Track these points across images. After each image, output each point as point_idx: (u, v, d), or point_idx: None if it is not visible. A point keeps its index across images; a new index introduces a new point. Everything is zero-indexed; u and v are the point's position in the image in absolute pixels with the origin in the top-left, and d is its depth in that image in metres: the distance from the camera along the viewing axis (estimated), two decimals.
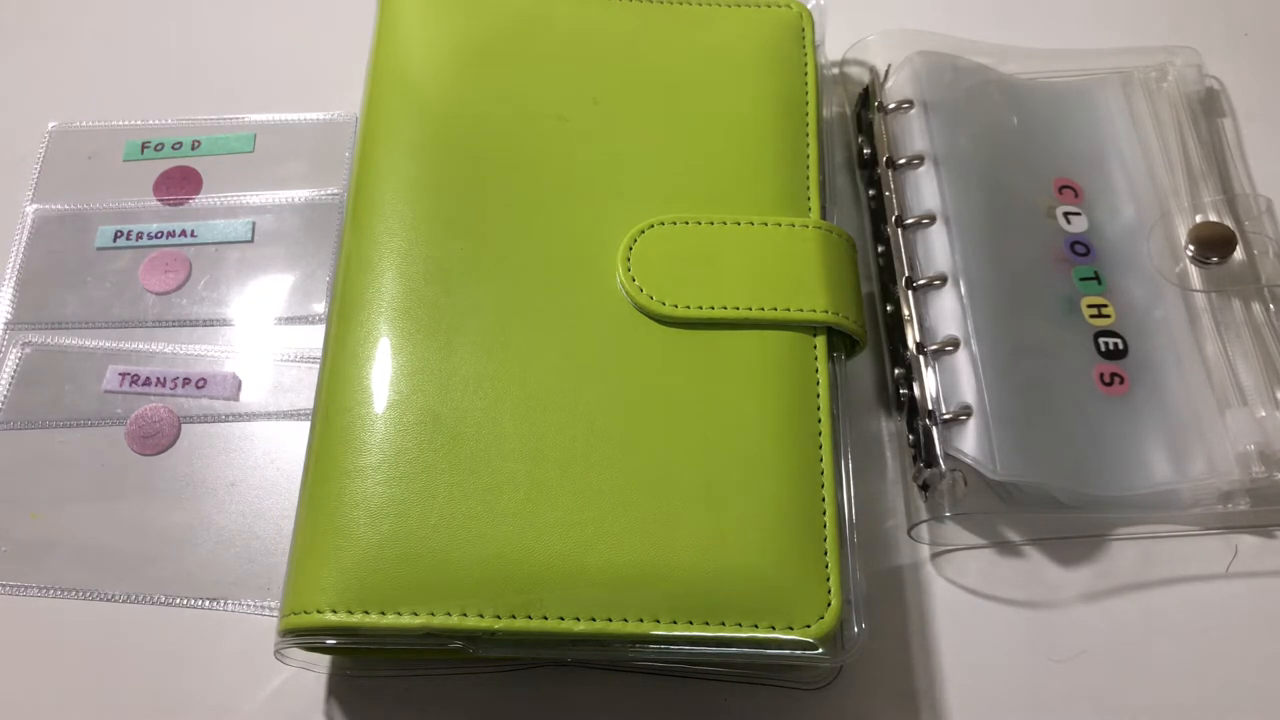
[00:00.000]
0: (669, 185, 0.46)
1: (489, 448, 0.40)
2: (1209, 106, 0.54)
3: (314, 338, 0.49)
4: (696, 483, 0.40)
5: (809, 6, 0.51)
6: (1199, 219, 0.49)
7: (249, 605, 0.44)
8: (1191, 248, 0.48)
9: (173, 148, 0.54)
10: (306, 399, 0.47)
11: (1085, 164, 0.51)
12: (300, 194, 0.53)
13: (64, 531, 0.45)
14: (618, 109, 0.47)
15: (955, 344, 0.45)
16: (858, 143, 0.53)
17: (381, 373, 0.41)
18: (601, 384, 0.41)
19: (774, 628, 0.38)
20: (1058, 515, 0.44)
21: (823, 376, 0.43)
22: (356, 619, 0.37)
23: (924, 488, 0.44)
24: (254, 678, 0.42)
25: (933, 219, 0.48)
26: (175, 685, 0.42)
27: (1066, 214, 0.50)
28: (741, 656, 0.39)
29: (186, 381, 0.48)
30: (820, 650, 0.38)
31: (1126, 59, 0.54)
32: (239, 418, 0.47)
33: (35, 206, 0.53)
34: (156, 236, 0.51)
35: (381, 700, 0.42)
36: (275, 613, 0.43)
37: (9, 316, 0.50)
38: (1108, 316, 0.47)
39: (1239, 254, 0.48)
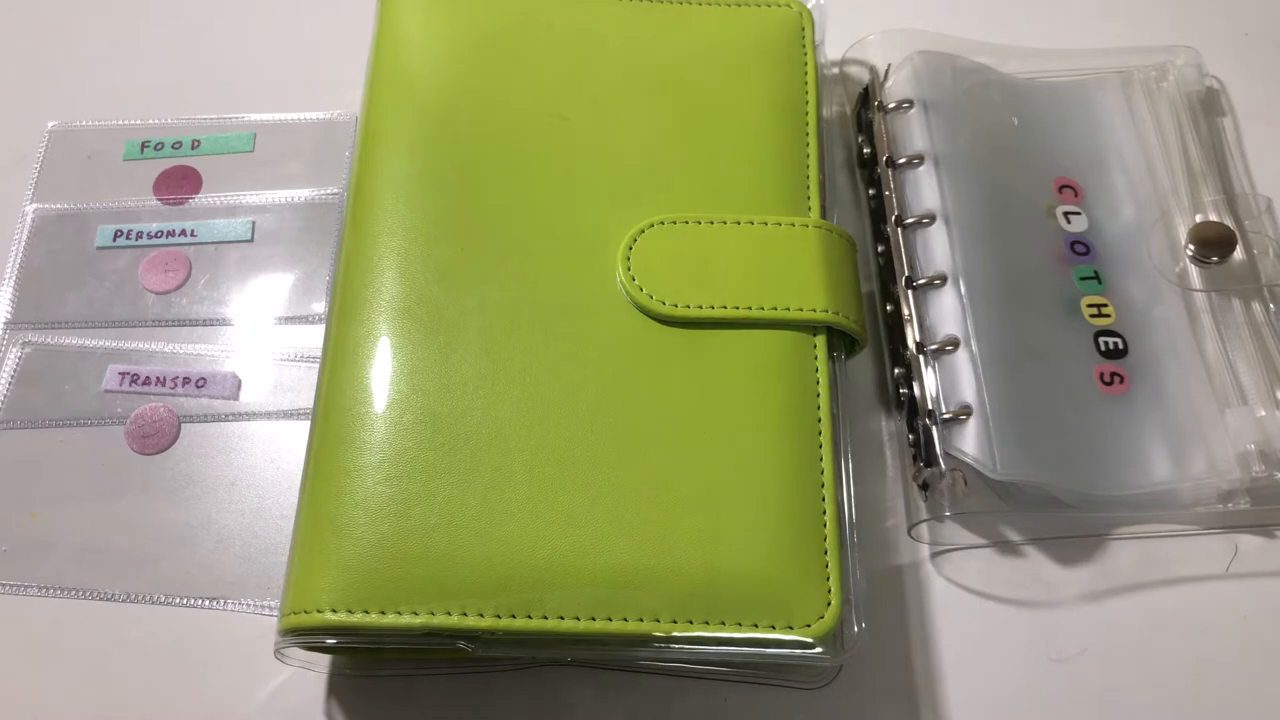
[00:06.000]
0: (669, 184, 0.46)
1: (489, 447, 0.40)
2: (1209, 106, 0.54)
3: (314, 337, 0.49)
4: (696, 482, 0.40)
5: (809, 6, 0.51)
6: (1199, 218, 0.49)
7: (249, 605, 0.44)
8: (1191, 247, 0.48)
9: (173, 147, 0.54)
10: (306, 399, 0.47)
11: (1085, 163, 0.52)
12: (300, 194, 0.53)
13: (64, 531, 0.45)
14: (618, 108, 0.47)
15: (955, 343, 0.45)
16: (858, 142, 0.53)
17: (381, 372, 0.41)
18: (601, 384, 0.41)
19: (774, 627, 0.38)
20: (1058, 515, 0.44)
21: (823, 376, 0.43)
22: (357, 619, 0.37)
23: (924, 487, 0.44)
24: (254, 678, 0.42)
25: (932, 218, 0.48)
26: (175, 685, 0.42)
27: (1066, 213, 0.50)
28: (741, 656, 0.39)
29: (186, 381, 0.48)
30: (820, 650, 0.38)
31: (1126, 59, 0.54)
32: (239, 417, 0.47)
33: (35, 206, 0.53)
34: (156, 236, 0.51)
35: (381, 700, 0.42)
36: (275, 612, 0.43)
37: (9, 316, 0.50)
38: (1108, 316, 0.47)
39: (1239, 254, 0.48)
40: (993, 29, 0.56)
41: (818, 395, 0.42)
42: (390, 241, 0.44)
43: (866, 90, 0.53)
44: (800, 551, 0.39)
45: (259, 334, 0.49)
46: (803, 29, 0.51)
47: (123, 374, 0.48)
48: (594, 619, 0.38)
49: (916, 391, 0.45)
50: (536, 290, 0.43)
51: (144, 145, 0.54)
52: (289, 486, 0.45)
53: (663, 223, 0.44)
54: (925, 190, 0.48)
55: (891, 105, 0.51)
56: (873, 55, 0.53)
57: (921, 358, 0.45)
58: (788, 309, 0.43)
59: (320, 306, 0.50)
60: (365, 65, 0.49)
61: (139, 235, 0.52)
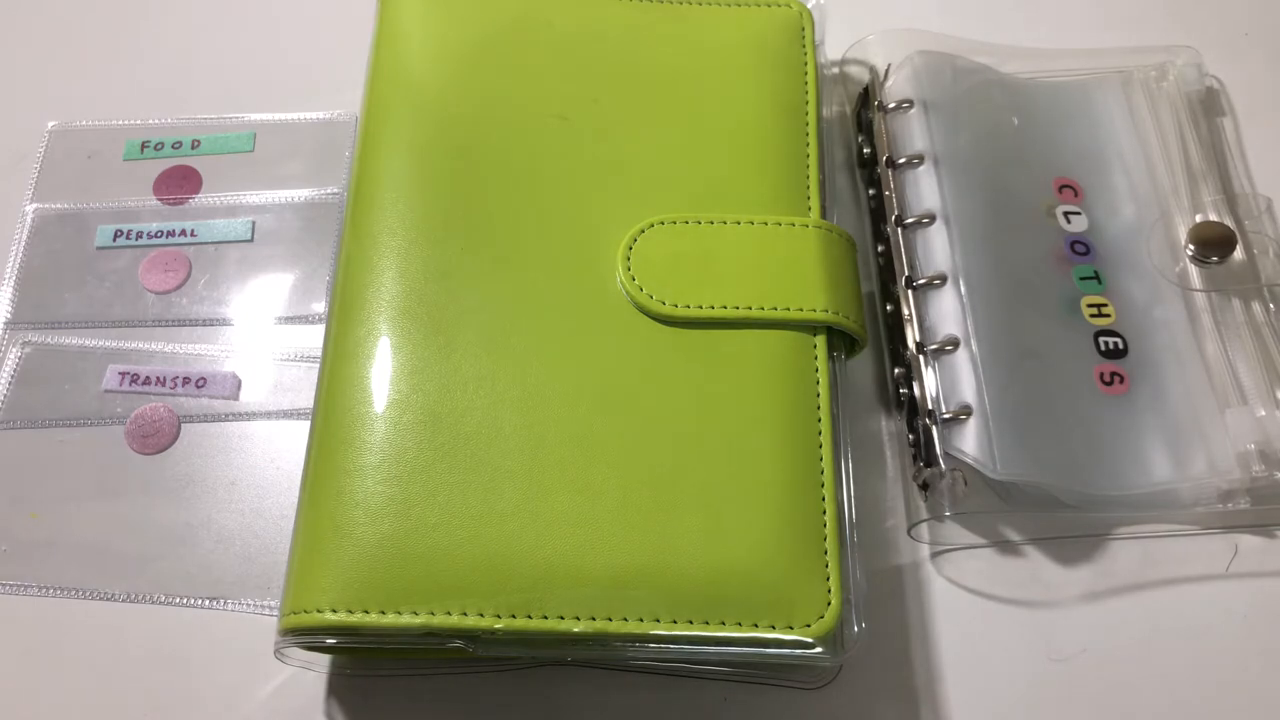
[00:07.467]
0: (669, 184, 0.46)
1: (489, 447, 0.40)
2: (1209, 106, 0.54)
3: (314, 337, 0.49)
4: (696, 482, 0.40)
5: (809, 6, 0.51)
6: (1199, 218, 0.49)
7: (249, 605, 0.44)
8: (1191, 247, 0.48)
9: (173, 147, 0.54)
10: (306, 398, 0.47)
11: (1085, 163, 0.51)
12: (300, 194, 0.53)
13: (64, 531, 0.45)
14: (618, 108, 0.47)
15: (955, 343, 0.45)
16: (858, 142, 0.53)
17: (381, 372, 0.41)
18: (601, 384, 0.41)
19: (774, 627, 0.38)
20: (1058, 515, 0.44)
21: (823, 376, 0.43)
22: (356, 618, 0.37)
23: (924, 487, 0.44)
24: (254, 678, 0.42)
25: (932, 218, 0.48)
26: (175, 685, 0.42)
27: (1066, 213, 0.50)
28: (741, 656, 0.39)
29: (186, 381, 0.48)
30: (820, 650, 0.38)
31: (1126, 59, 0.54)
32: (239, 417, 0.47)
33: (35, 206, 0.53)
34: (156, 236, 0.52)
35: (381, 700, 0.42)
36: (275, 612, 0.43)
37: (9, 316, 0.50)
38: (1108, 316, 0.47)
39: (1239, 253, 0.48)
40: (993, 29, 0.56)
41: (818, 395, 0.42)
42: (390, 241, 0.44)
43: (866, 90, 0.53)
44: (800, 551, 0.39)
45: (259, 334, 0.49)
46: (803, 29, 0.51)
47: (123, 374, 0.48)
48: (594, 619, 0.38)
49: (916, 391, 0.45)
50: (536, 290, 0.43)
51: (144, 145, 0.54)
52: (289, 486, 0.45)
53: (662, 223, 0.44)
54: (925, 190, 0.48)
55: (891, 105, 0.51)
56: (873, 55, 0.53)
57: (921, 358, 0.45)
58: (788, 309, 0.43)
59: (320, 306, 0.50)
60: (365, 65, 0.49)
61: (139, 235, 0.52)
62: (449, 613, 0.37)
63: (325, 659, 0.42)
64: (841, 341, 0.45)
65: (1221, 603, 0.44)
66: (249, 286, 0.51)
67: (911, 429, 0.45)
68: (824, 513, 0.40)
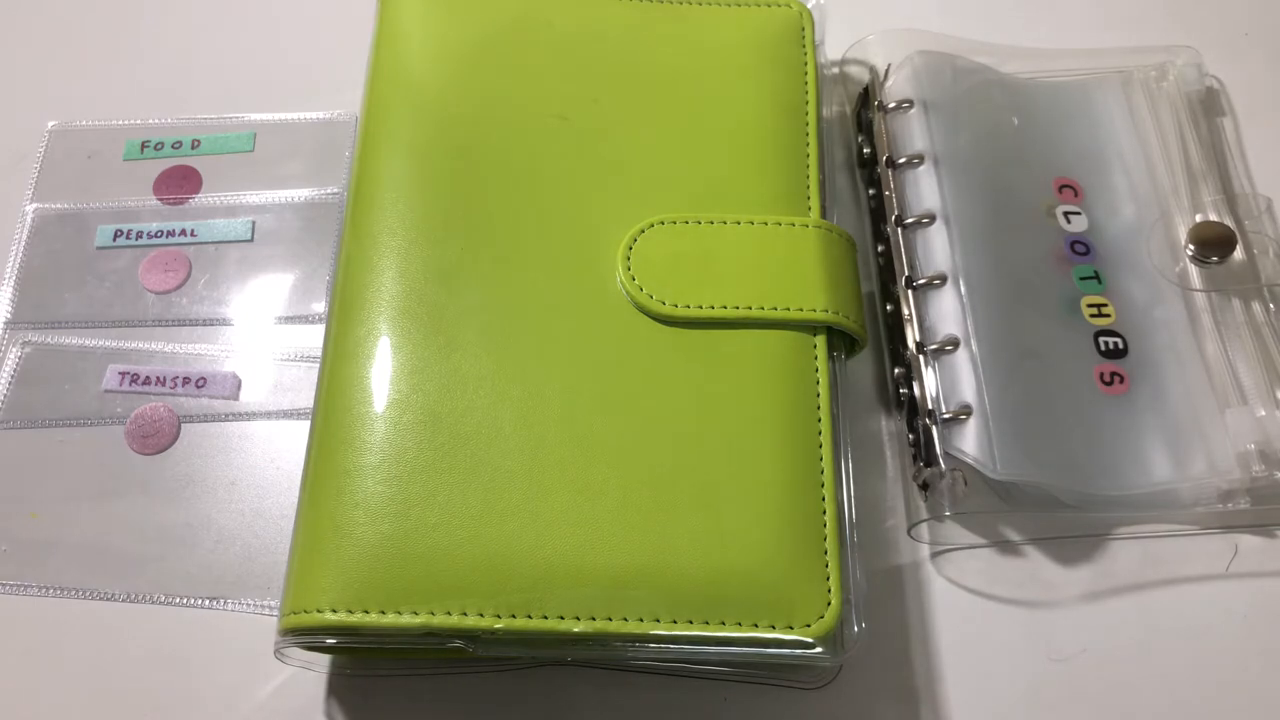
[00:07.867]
0: (669, 184, 0.46)
1: (489, 447, 0.40)
2: (1209, 106, 0.54)
3: (314, 337, 0.49)
4: (696, 482, 0.40)
5: (809, 6, 0.51)
6: (1199, 218, 0.49)
7: (249, 605, 0.44)
8: (1191, 247, 0.48)
9: (173, 147, 0.54)
10: (306, 398, 0.47)
11: (1085, 163, 0.52)
12: (300, 193, 0.53)
13: (64, 531, 0.45)
14: (618, 108, 0.47)
15: (955, 343, 0.45)
16: (858, 142, 0.53)
17: (381, 372, 0.41)
18: (601, 384, 0.41)
19: (774, 627, 0.38)
20: (1058, 515, 0.44)
21: (823, 376, 0.43)
22: (356, 618, 0.37)
23: (924, 487, 0.44)
24: (254, 677, 0.42)
25: (932, 218, 0.48)
26: (175, 685, 0.42)
27: (1066, 213, 0.50)
28: (741, 656, 0.39)
29: (186, 381, 0.48)
30: (820, 649, 0.38)
31: (1126, 59, 0.54)
32: (239, 417, 0.47)
33: (35, 206, 0.53)
34: (156, 236, 0.52)
35: (381, 700, 0.42)
36: (275, 612, 0.43)
37: (9, 316, 0.50)
38: (1108, 316, 0.47)
39: (1239, 253, 0.48)
40: (993, 29, 0.56)
41: (818, 395, 0.42)
42: (390, 241, 0.44)
43: (866, 90, 0.53)
44: (800, 551, 0.39)
45: (259, 334, 0.49)
46: (803, 29, 0.51)
47: (123, 374, 0.48)
48: (594, 619, 0.38)
49: (916, 391, 0.45)
50: (537, 290, 0.43)
51: (144, 145, 0.54)
52: (289, 486, 0.45)
53: (662, 222, 0.44)
54: (925, 190, 0.48)
55: (891, 105, 0.51)
56: (873, 55, 0.53)
57: (921, 358, 0.45)
58: (788, 309, 0.43)
59: (320, 306, 0.50)
60: (365, 65, 0.49)
61: (139, 235, 0.52)
62: (449, 613, 0.37)
63: (325, 659, 0.42)
64: (841, 341, 0.45)
65: (1221, 603, 0.44)
66: (249, 286, 0.51)
67: (911, 429, 0.45)
68: (824, 513, 0.40)
